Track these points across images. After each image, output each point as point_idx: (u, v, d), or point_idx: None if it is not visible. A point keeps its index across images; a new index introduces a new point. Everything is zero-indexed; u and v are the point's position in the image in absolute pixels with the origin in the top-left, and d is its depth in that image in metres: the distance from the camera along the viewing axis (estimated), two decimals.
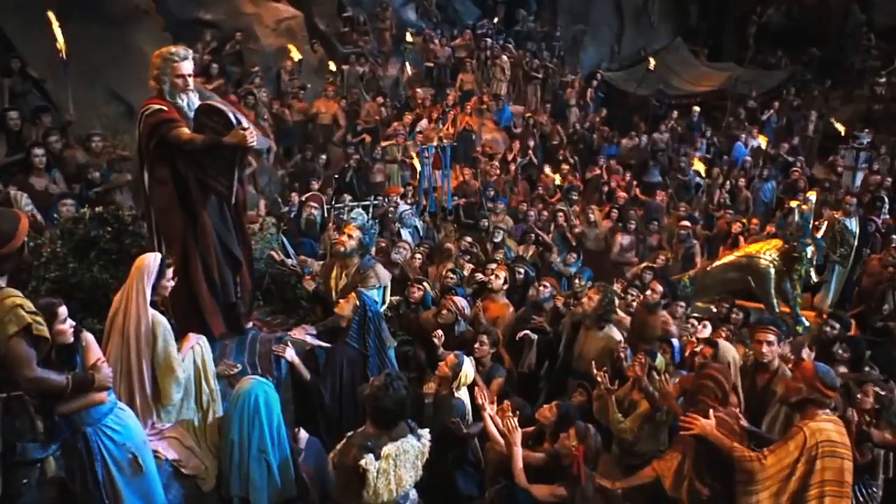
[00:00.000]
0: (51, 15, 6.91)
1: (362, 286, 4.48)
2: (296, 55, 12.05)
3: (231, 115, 3.80)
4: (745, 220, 9.18)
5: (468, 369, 4.32)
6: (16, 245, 2.79)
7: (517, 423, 3.82)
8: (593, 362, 4.62)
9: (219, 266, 4.11)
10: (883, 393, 4.14)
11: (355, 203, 8.53)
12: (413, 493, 3.36)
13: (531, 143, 12.49)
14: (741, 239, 8.45)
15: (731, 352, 4.70)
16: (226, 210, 4.14)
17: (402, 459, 3.13)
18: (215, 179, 3.92)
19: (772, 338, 4.29)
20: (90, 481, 3.09)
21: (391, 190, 10.08)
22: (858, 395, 4.05)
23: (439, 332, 4.99)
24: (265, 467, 3.56)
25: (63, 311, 2.99)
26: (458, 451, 4.29)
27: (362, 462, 3.03)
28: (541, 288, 6.12)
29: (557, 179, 11.16)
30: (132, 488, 3.19)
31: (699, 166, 11.54)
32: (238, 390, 3.62)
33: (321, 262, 5.47)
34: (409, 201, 9.33)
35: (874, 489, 4.01)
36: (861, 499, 3.90)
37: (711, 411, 3.51)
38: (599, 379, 4.38)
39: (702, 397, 3.61)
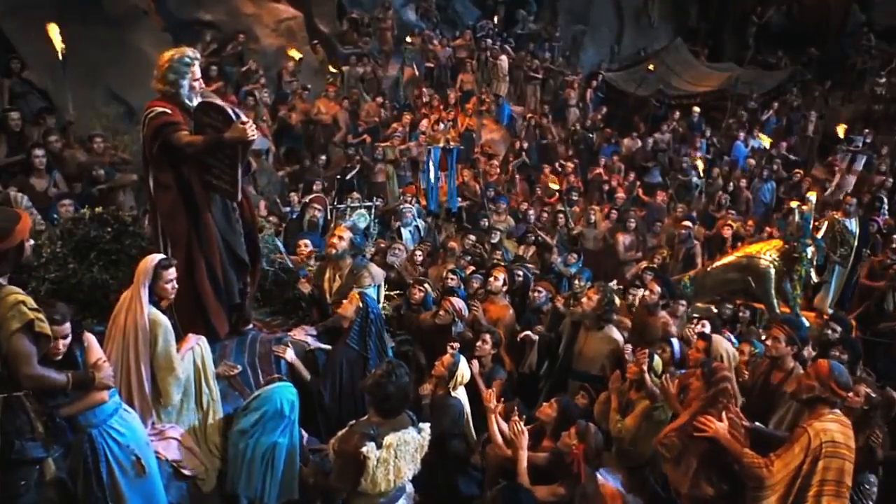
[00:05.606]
0: (51, 31, 6.85)
1: (357, 286, 4.47)
2: (295, 55, 12.03)
3: (230, 110, 3.78)
4: (733, 223, 9.13)
5: (464, 369, 4.32)
6: (11, 244, 2.78)
7: (524, 427, 3.83)
8: (602, 365, 4.60)
9: (223, 267, 4.10)
10: (874, 395, 4.12)
11: (357, 204, 8.52)
12: (409, 487, 3.37)
13: (525, 145, 12.50)
14: (728, 248, 8.40)
15: (724, 345, 4.71)
16: (231, 211, 4.12)
17: (402, 450, 3.14)
18: (219, 178, 3.90)
19: (779, 335, 4.27)
20: (93, 483, 3.09)
21: (407, 189, 10.11)
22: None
23: (456, 344, 4.96)
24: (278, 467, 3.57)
25: (65, 328, 2.92)
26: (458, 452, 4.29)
27: (364, 449, 3.03)
28: (535, 293, 6.12)
29: (554, 184, 11.13)
30: (135, 490, 3.20)
31: (698, 164, 11.54)
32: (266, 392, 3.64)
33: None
34: (413, 202, 9.34)
35: (868, 485, 4.00)
36: (855, 496, 3.89)
37: (725, 413, 3.51)
38: (611, 379, 4.37)
39: (722, 400, 3.62)
